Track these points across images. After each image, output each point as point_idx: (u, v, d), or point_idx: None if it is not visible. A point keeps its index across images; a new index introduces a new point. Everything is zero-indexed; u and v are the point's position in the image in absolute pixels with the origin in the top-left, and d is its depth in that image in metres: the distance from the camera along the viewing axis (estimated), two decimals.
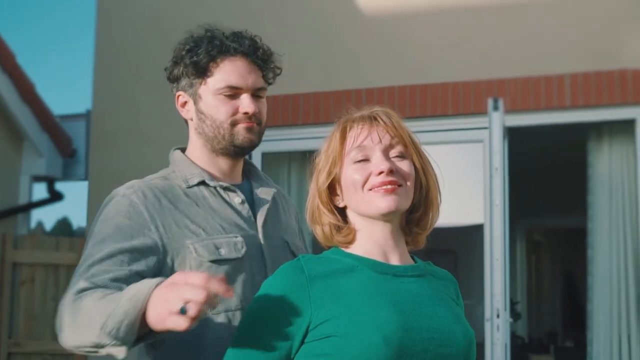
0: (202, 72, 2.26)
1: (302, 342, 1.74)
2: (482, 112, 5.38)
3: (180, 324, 1.57)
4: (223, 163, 2.31)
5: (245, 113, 2.25)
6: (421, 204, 1.89)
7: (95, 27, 6.92)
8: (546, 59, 5.73)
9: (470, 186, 6.13)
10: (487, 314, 5.10)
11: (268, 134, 6.77)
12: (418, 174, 1.86)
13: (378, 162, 1.81)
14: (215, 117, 2.25)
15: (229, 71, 2.26)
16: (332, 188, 1.90)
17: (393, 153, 1.84)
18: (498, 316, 5.01)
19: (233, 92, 2.25)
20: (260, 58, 2.33)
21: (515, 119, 5.53)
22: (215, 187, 2.25)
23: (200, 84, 2.27)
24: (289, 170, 6.48)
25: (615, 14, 5.66)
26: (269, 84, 2.37)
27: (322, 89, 6.05)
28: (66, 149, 9.49)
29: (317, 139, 6.78)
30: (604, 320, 5.75)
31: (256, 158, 6.26)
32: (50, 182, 9.57)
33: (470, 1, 5.92)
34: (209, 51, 2.25)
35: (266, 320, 1.76)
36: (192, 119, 2.34)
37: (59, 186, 9.77)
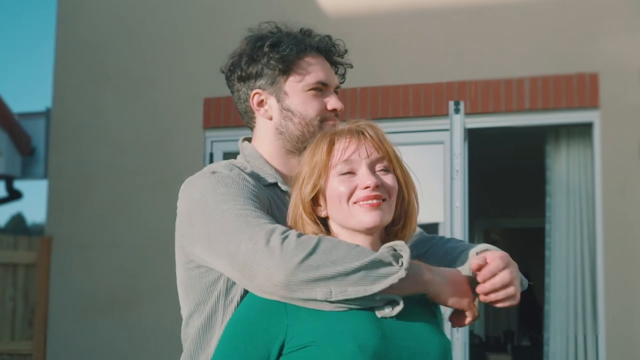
0: (288, 67, 2.15)
1: (280, 354, 1.76)
2: (443, 114, 5.44)
3: None
4: (296, 163, 2.15)
5: (334, 110, 2.16)
6: (402, 216, 1.93)
7: (56, 25, 6.87)
8: (506, 62, 5.80)
9: (429, 187, 6.18)
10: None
11: (230, 133, 6.82)
12: (400, 187, 1.90)
13: (364, 177, 1.84)
14: (305, 114, 2.13)
15: (316, 67, 2.18)
16: (315, 198, 1.92)
17: (378, 167, 1.88)
18: None
19: (322, 88, 2.17)
20: (337, 56, 2.27)
21: (475, 121, 5.60)
22: (285, 192, 2.14)
23: (285, 80, 2.16)
24: None
25: (574, 19, 5.75)
26: (341, 82, 2.30)
27: None
28: (25, 147, 9.40)
29: None
30: (561, 320, 5.84)
31: (217, 158, 6.26)
32: (9, 180, 9.47)
33: (432, 5, 5.98)
34: (295, 46, 2.17)
35: (243, 334, 1.79)
36: (271, 118, 2.18)
37: (18, 184, 9.68)
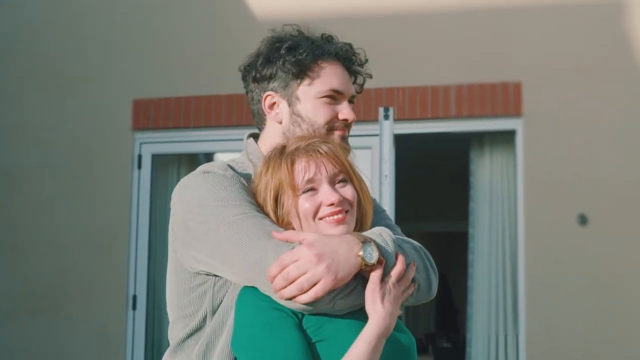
0: (302, 72, 2.11)
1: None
2: (371, 119, 5.52)
3: None
4: None
5: (345, 120, 2.13)
6: (359, 219, 2.01)
7: None
8: (433, 70, 5.91)
9: None
10: None
11: (160, 135, 6.78)
12: (358, 194, 1.99)
13: (327, 194, 1.91)
14: (314, 121, 2.10)
15: (332, 74, 2.13)
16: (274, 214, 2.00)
17: (337, 180, 1.95)
18: None
19: (336, 97, 2.14)
20: (356, 65, 2.23)
21: (403, 127, 5.69)
22: None
23: (298, 85, 2.12)
24: (179, 173, 6.47)
25: (499, 29, 5.89)
26: (358, 92, 2.25)
27: (214, 92, 6.07)
28: None
29: (208, 141, 6.79)
30: (483, 321, 5.97)
31: (146, 159, 6.23)
32: None
33: (360, 12, 6.06)
34: (312, 51, 2.11)
35: (268, 313, 1.84)
36: (281, 122, 2.13)
37: None
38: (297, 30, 2.21)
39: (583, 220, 5.55)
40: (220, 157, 6.80)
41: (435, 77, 5.88)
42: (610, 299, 5.50)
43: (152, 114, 6.23)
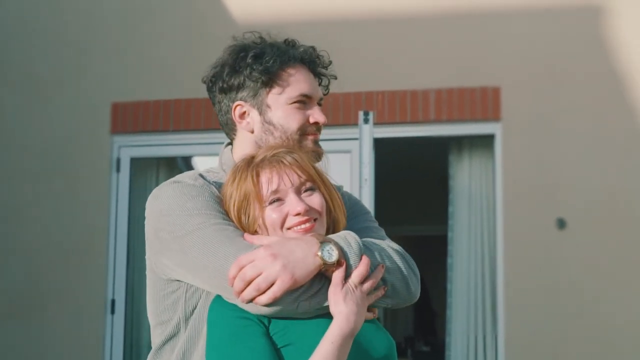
0: (271, 80, 2.10)
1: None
2: (350, 123, 5.52)
3: None
4: None
5: (316, 123, 2.13)
6: (330, 226, 2.00)
7: None
8: (412, 74, 5.93)
9: None
10: None
11: (139, 138, 6.76)
12: (326, 201, 1.98)
13: (293, 204, 1.91)
14: (287, 128, 2.10)
15: (300, 79, 2.13)
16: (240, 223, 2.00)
17: (303, 189, 1.95)
18: None
19: (305, 101, 2.13)
20: (320, 67, 2.23)
21: (382, 131, 5.70)
22: None
23: (267, 93, 2.11)
24: (157, 176, 6.45)
25: (478, 34, 5.92)
26: (325, 94, 2.25)
27: (193, 95, 6.06)
28: None
29: (187, 145, 6.77)
30: (462, 325, 5.99)
31: (124, 163, 6.21)
32: None
33: (339, 15, 6.07)
34: (279, 58, 2.11)
35: (237, 323, 1.85)
36: (252, 131, 2.13)
37: None
38: (260, 37, 2.19)
39: (561, 224, 5.58)
40: (199, 161, 6.80)
41: (415, 81, 5.90)
42: (589, 302, 5.53)
43: (130, 117, 6.20)
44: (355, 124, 4.85)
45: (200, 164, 7.23)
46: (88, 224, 6.17)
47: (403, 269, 1.97)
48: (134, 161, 6.28)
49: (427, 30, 5.97)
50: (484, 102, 5.77)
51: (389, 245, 2.01)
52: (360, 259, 1.84)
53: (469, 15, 5.92)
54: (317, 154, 2.13)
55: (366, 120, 4.58)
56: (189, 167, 7.02)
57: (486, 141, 5.97)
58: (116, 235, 6.16)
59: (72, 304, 6.13)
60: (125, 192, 6.21)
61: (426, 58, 5.94)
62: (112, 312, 6.08)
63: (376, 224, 2.20)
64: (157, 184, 6.70)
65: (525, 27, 5.86)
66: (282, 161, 1.94)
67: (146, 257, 2.09)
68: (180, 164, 6.62)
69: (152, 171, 6.46)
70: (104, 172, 6.20)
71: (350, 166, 5.58)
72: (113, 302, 6.09)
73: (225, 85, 2.15)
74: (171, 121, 6.14)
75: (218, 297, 1.88)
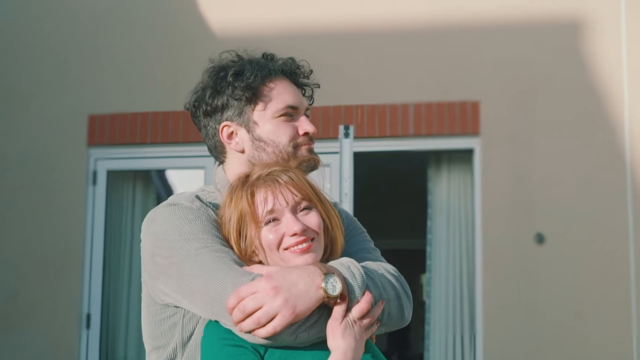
0: (254, 96, 2.07)
1: None
2: (330, 137, 5.50)
3: None
4: None
5: (306, 134, 2.10)
6: (328, 244, 1.96)
7: None
8: (392, 88, 5.92)
9: None
10: None
11: (115, 151, 6.69)
12: (324, 220, 1.94)
13: (290, 224, 1.87)
14: (278, 142, 2.06)
15: (283, 92, 2.10)
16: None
17: (300, 208, 1.91)
18: None
19: (292, 113, 2.10)
20: (302, 77, 2.20)
21: (361, 145, 5.69)
22: None
23: (253, 109, 2.07)
24: (134, 189, 6.39)
25: (458, 49, 5.92)
26: (310, 104, 2.22)
27: (171, 107, 6.02)
28: None
29: (164, 158, 6.71)
30: (440, 340, 5.97)
31: (101, 176, 6.15)
32: None
33: (319, 30, 6.05)
34: (259, 73, 2.07)
35: (228, 345, 1.82)
36: (243, 151, 2.09)
37: None
38: (237, 55, 2.16)
39: (540, 239, 5.58)
40: (175, 174, 6.76)
41: (394, 95, 5.89)
42: (568, 317, 5.53)
43: (107, 130, 6.15)
44: (335, 138, 4.83)
45: (176, 177, 7.18)
46: (64, 237, 6.10)
47: (400, 296, 1.95)
48: (111, 174, 6.23)
49: (407, 44, 5.97)
50: (463, 117, 5.78)
51: (387, 269, 1.98)
52: (363, 293, 1.80)
53: (449, 30, 5.93)
54: (314, 162, 2.10)
55: (346, 135, 4.56)
56: (164, 181, 6.97)
57: (465, 156, 5.97)
58: (92, 249, 6.09)
59: (47, 318, 6.05)
60: (102, 205, 6.15)
61: (405, 72, 5.94)
62: (88, 326, 6.00)
63: (372, 244, 2.17)
64: (133, 197, 6.71)
65: (504, 42, 5.87)
66: (277, 180, 1.91)
67: (142, 279, 2.05)
68: (153, 177, 6.56)
69: (129, 184, 6.41)
70: (80, 185, 6.14)
71: (330, 180, 5.55)
72: (89, 316, 6.01)
73: (209, 108, 2.10)
74: (148, 134, 6.10)
75: (212, 321, 1.84)
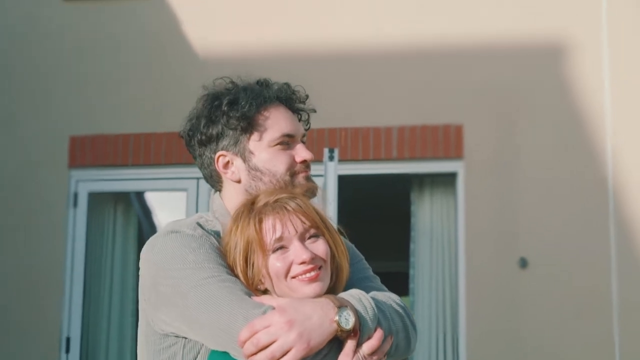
0: (249, 126, 2.03)
1: None
2: (313, 160, 5.48)
3: None
4: None
5: (304, 161, 2.07)
6: (334, 272, 1.94)
7: None
8: (375, 111, 5.92)
9: None
10: None
11: (96, 173, 6.64)
12: (330, 248, 1.92)
13: (298, 252, 1.85)
14: (275, 171, 2.02)
15: (279, 120, 2.06)
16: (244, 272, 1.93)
17: (308, 236, 1.89)
18: None
19: (288, 141, 2.06)
20: (298, 103, 2.16)
21: (345, 168, 5.67)
22: None
23: (248, 139, 2.04)
24: (115, 211, 6.34)
25: (441, 73, 5.93)
26: (306, 129, 2.19)
27: (153, 129, 5.98)
28: None
29: (146, 180, 6.66)
30: None
31: (82, 198, 6.10)
32: None
33: (302, 52, 6.05)
34: (254, 101, 2.03)
35: None
36: (239, 180, 2.05)
37: None
38: (231, 82, 2.11)
39: (523, 263, 5.57)
40: (156, 196, 6.71)
41: (378, 118, 5.89)
42: (551, 342, 5.51)
43: (89, 151, 6.11)
44: (318, 161, 4.81)
45: (156, 199, 7.13)
46: (44, 259, 6.04)
47: (408, 328, 1.94)
48: (92, 196, 6.17)
49: (390, 67, 5.97)
50: (447, 140, 5.77)
51: (393, 300, 1.98)
52: (374, 326, 1.80)
53: (432, 53, 5.94)
54: (312, 190, 2.07)
55: (331, 158, 4.55)
56: (142, 203, 6.92)
57: (448, 179, 5.96)
58: (72, 272, 6.03)
59: (27, 342, 5.98)
60: (83, 228, 6.09)
61: (389, 95, 5.94)
62: (67, 350, 5.93)
63: (371, 271, 2.16)
64: (114, 220, 6.64)
65: (488, 66, 5.89)
66: (285, 207, 1.89)
67: (139, 308, 2.00)
68: (132, 199, 6.51)
69: (110, 206, 6.36)
70: (61, 207, 6.08)
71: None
72: (68, 340, 5.94)
73: (204, 137, 2.07)
74: (130, 155, 6.06)
75: (216, 351, 1.82)
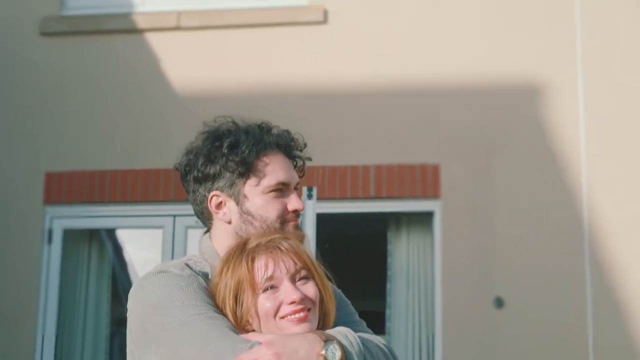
0: (247, 171, 2.05)
1: None
2: None
3: None
4: None
5: (295, 210, 2.08)
6: (321, 317, 1.95)
7: None
8: (353, 149, 5.94)
9: None
10: None
11: (72, 209, 6.59)
12: (320, 291, 1.94)
13: (289, 292, 1.87)
14: (266, 217, 2.04)
15: (276, 168, 2.08)
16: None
17: (298, 277, 1.91)
18: None
19: (283, 189, 2.08)
20: (296, 151, 2.20)
21: (322, 206, 5.66)
22: None
23: (244, 183, 2.06)
24: (90, 248, 6.29)
25: (418, 112, 5.97)
26: (300, 177, 2.20)
27: (130, 166, 5.96)
28: None
29: (122, 217, 6.62)
30: None
31: (57, 234, 6.05)
32: None
33: (280, 89, 6.07)
34: (254, 146, 2.06)
35: None
36: (230, 222, 2.07)
37: None
38: (232, 122, 2.13)
39: (499, 303, 5.57)
40: (131, 234, 6.66)
41: (355, 157, 5.90)
42: None
43: (64, 188, 6.07)
44: None
45: (131, 236, 7.06)
46: (17, 296, 5.97)
47: None
48: (67, 233, 6.13)
49: (368, 106, 6.00)
50: (424, 179, 5.79)
51: (379, 340, 1.99)
52: None
53: (410, 93, 5.98)
54: (300, 238, 2.08)
55: (310, 196, 4.55)
56: (114, 240, 6.86)
57: (425, 218, 5.97)
58: (46, 308, 5.96)
59: None
60: (57, 264, 6.04)
61: (366, 134, 5.96)
62: None
63: (357, 316, 2.18)
64: (89, 256, 6.58)
65: (465, 106, 5.93)
66: (278, 247, 1.91)
67: (127, 349, 2.01)
68: (103, 236, 6.46)
69: (85, 243, 6.30)
70: (35, 243, 6.03)
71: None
72: None
73: (200, 175, 2.08)
74: (107, 192, 6.02)
75: None
